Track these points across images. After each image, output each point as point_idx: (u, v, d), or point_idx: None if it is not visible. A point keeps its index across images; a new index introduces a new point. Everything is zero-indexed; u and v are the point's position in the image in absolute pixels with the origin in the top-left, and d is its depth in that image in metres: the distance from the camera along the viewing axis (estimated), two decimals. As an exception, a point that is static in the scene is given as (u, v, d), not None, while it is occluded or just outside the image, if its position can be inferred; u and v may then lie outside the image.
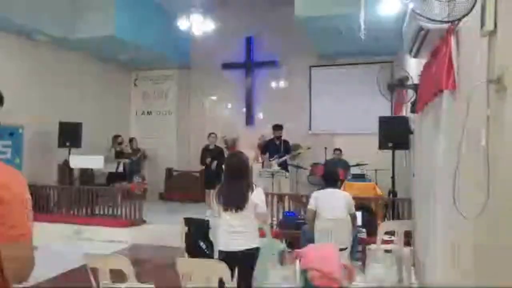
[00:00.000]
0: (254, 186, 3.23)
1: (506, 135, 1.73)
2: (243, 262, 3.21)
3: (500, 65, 1.75)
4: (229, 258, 3.15)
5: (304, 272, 2.75)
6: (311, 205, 4.51)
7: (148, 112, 11.24)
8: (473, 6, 1.86)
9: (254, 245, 3.21)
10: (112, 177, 8.74)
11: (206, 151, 7.79)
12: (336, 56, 9.14)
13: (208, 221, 4.58)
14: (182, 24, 7.94)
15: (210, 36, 8.47)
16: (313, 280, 2.65)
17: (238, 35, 10.03)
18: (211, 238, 4.49)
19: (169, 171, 10.67)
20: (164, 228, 6.75)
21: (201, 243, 4.37)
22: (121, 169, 8.87)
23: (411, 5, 2.29)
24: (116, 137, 9.33)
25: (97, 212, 7.34)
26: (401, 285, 4.42)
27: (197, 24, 7.75)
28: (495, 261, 1.84)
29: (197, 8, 7.82)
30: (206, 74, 10.55)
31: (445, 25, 3.07)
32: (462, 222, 2.28)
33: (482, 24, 1.90)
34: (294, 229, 5.17)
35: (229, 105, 10.62)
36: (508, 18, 1.74)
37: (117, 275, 3.19)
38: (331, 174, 4.73)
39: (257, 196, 3.18)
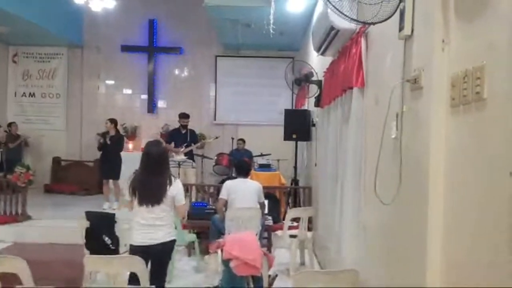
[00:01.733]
0: (172, 178, 3.09)
1: (419, 130, 1.97)
2: (158, 256, 3.08)
3: (417, 67, 1.97)
4: (142, 252, 2.98)
5: (226, 262, 2.74)
6: (223, 195, 4.53)
7: (30, 94, 9.86)
8: (395, 11, 2.05)
9: (170, 238, 3.09)
10: (-15, 168, 7.51)
11: (105, 135, 7.07)
12: (241, 47, 9.26)
13: (114, 214, 4.26)
14: (77, -3, 7.12)
15: (109, 14, 7.81)
16: (236, 269, 2.66)
17: (140, 16, 9.43)
18: (117, 233, 4.19)
19: (56, 160, 9.58)
20: (53, 223, 6.10)
21: (106, 238, 4.04)
22: (-3, 158, 7.68)
23: (334, 8, 2.40)
24: (-11, 121, 8.01)
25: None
26: (304, 268, 4.73)
27: (95, 0, 7.04)
28: (405, 240, 2.09)
29: (95, -19, 7.09)
30: (102, 55, 9.70)
31: (355, 27, 3.35)
32: (374, 206, 2.53)
33: (401, 28, 2.11)
34: (203, 220, 5.12)
35: (129, 91, 9.95)
36: (423, 25, 1.97)
37: (6, 281, 2.75)
38: (243, 164, 4.81)
39: (176, 188, 3.05)
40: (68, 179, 9.31)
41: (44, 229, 5.89)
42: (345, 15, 2.29)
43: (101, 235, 3.96)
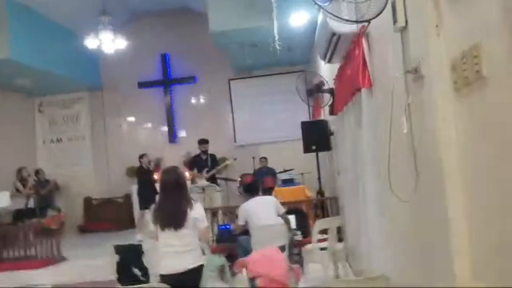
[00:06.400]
0: (192, 201, 3.10)
1: (426, 119, 1.90)
2: (188, 282, 3.04)
3: (415, 57, 1.92)
4: (172, 281, 2.96)
5: (251, 280, 2.69)
6: (240, 221, 4.52)
7: (57, 140, 10.30)
8: (385, 4, 2.03)
9: (198, 263, 3.06)
10: (21, 215, 7.77)
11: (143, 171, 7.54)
12: (253, 68, 9.38)
13: (140, 245, 4.29)
14: (90, 43, 7.48)
15: (123, 54, 8.13)
16: (263, 286, 2.60)
17: (152, 52, 9.77)
18: (145, 263, 4.21)
19: (87, 200, 9.86)
20: (88, 262, 6.19)
21: (135, 270, 4.07)
22: (31, 204, 7.95)
23: (327, 12, 2.41)
24: (20, 170, 8.33)
25: (6, 256, 6.43)
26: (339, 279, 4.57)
27: (107, 42, 7.36)
28: (428, 238, 1.98)
29: (105, 25, 7.44)
30: (121, 94, 10.05)
31: (355, 29, 3.34)
32: (395, 205, 2.43)
33: (395, 21, 2.08)
34: (231, 242, 5.08)
35: (149, 125, 10.23)
36: (416, 13, 1.93)
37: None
38: (250, 185, 4.96)
39: (196, 211, 3.05)
40: (101, 217, 9.52)
41: (79, 269, 5.99)
42: (338, 17, 2.29)
43: (130, 267, 3.99)
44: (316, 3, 2.19)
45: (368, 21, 2.19)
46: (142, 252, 4.08)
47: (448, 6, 1.67)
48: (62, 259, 6.31)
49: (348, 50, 3.73)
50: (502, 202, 1.35)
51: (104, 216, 9.51)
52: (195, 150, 8.40)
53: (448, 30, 1.67)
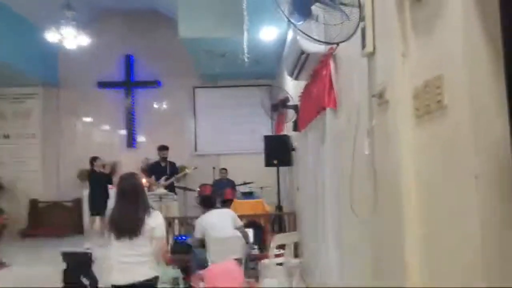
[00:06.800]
0: (151, 209, 3.01)
1: (388, 142, 1.98)
2: (140, 294, 2.93)
3: (381, 82, 2.00)
4: (124, 292, 2.84)
5: (208, 294, 2.63)
6: (197, 233, 4.49)
7: (5, 136, 9.66)
8: (356, 29, 2.11)
9: (153, 275, 2.96)
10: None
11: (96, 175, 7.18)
12: (219, 77, 9.37)
13: (90, 253, 4.09)
14: (51, 37, 7.15)
15: (85, 51, 7.83)
16: (218, 301, 2.56)
17: (116, 52, 9.50)
18: (95, 273, 4.01)
19: (33, 202, 9.27)
20: (31, 269, 5.80)
21: (83, 279, 3.86)
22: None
23: (298, 30, 2.46)
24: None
25: None
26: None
27: (69, 38, 7.07)
28: (386, 252, 2.05)
29: (68, 20, 7.16)
30: (78, 92, 9.64)
31: (324, 50, 3.43)
32: (354, 223, 2.50)
33: (363, 46, 2.16)
34: (187, 253, 4.97)
35: (107, 127, 9.86)
36: (383, 41, 2.02)
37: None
38: (205, 198, 5.01)
39: (154, 220, 2.96)
40: (47, 221, 8.99)
41: (21, 276, 5.58)
42: (311, 37, 2.34)
43: (78, 276, 3.78)
44: (289, 21, 2.23)
45: (337, 43, 2.26)
46: (92, 261, 3.89)
47: (414, 37, 1.76)
48: (2, 265, 5.87)
49: (316, 69, 3.82)
50: (457, 226, 1.42)
51: (50, 220, 8.99)
52: (154, 156, 8.21)
53: (413, 60, 1.76)
